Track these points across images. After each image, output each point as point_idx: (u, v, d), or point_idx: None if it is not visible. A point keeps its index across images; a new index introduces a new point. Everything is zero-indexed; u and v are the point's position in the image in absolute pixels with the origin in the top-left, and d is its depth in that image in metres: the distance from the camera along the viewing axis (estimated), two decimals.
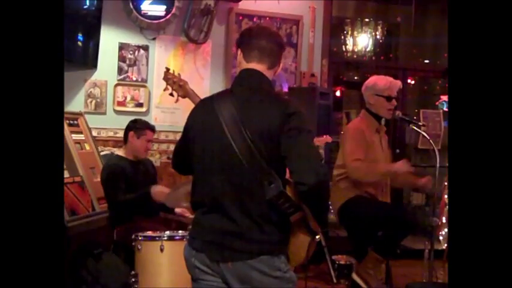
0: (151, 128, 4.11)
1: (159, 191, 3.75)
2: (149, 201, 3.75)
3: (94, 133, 4.35)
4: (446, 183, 5.25)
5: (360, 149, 3.79)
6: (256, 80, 2.18)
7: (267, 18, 5.65)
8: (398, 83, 3.99)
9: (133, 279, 3.26)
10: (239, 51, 2.25)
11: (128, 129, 4.08)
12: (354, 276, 4.01)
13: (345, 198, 3.88)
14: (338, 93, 7.32)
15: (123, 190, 3.84)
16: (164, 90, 3.39)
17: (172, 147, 5.06)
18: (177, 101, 3.36)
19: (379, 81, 3.94)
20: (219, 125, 2.09)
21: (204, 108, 2.23)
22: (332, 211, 4.15)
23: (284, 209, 2.04)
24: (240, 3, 5.49)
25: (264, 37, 2.22)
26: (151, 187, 3.78)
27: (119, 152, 4.14)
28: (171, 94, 3.34)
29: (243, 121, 2.06)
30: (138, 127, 4.05)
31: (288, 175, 2.10)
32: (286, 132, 2.03)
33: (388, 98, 3.90)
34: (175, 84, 3.32)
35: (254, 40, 2.22)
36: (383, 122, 4.06)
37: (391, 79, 3.98)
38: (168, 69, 3.38)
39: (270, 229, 2.06)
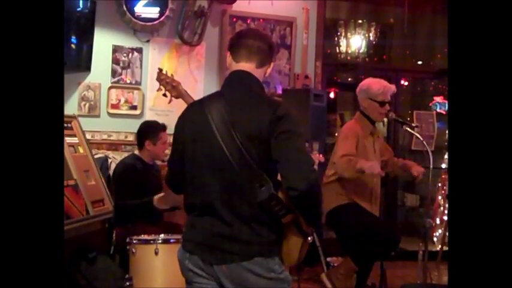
0: (164, 129, 4.18)
1: (160, 198, 3.77)
2: (152, 209, 3.78)
3: (88, 136, 4.33)
4: (440, 185, 5.28)
5: (351, 146, 3.76)
6: (246, 81, 2.18)
7: (261, 20, 5.65)
8: (393, 88, 3.97)
9: (127, 283, 3.26)
10: (228, 54, 2.26)
11: (143, 137, 4.15)
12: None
13: (336, 203, 3.87)
14: (332, 95, 7.33)
15: (132, 193, 3.90)
16: (157, 90, 3.39)
17: (166, 150, 5.08)
18: (170, 101, 3.36)
19: (373, 86, 3.91)
20: (210, 128, 2.09)
21: (194, 112, 2.23)
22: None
23: (275, 212, 2.03)
24: (234, 5, 5.49)
25: (251, 36, 2.24)
26: (154, 196, 3.81)
27: (137, 152, 4.22)
28: (165, 95, 3.35)
29: (233, 123, 2.06)
30: (154, 134, 4.11)
31: (279, 177, 2.11)
32: (277, 135, 2.02)
33: (382, 103, 3.89)
34: (169, 84, 3.33)
35: (242, 40, 2.23)
36: (378, 124, 4.07)
37: (385, 83, 3.95)
38: (161, 70, 3.39)
39: (262, 231, 2.06)
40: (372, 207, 3.94)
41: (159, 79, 3.36)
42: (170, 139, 4.95)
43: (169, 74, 3.42)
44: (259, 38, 2.23)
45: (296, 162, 2.00)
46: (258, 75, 2.21)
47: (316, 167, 4.95)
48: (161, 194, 3.77)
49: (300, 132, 2.09)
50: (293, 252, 2.15)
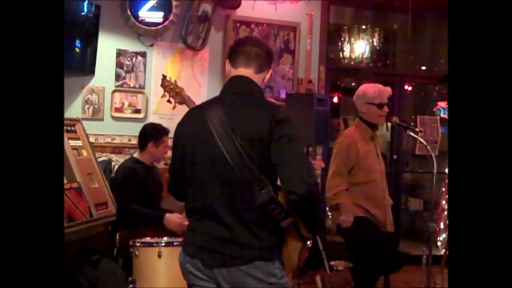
0: (167, 133, 4.20)
1: (172, 220, 3.81)
2: (160, 224, 3.82)
3: (91, 139, 4.34)
4: (444, 189, 5.26)
5: (340, 163, 3.79)
6: (245, 86, 2.20)
7: (265, 25, 5.66)
8: (388, 90, 4.01)
9: (131, 286, 3.26)
10: (227, 62, 2.28)
11: (146, 138, 4.16)
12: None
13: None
14: (335, 100, 7.33)
15: (134, 197, 3.93)
16: (162, 97, 3.42)
17: (169, 153, 5.08)
18: (174, 107, 3.39)
19: (368, 89, 3.97)
20: (210, 132, 2.10)
21: (194, 117, 2.24)
22: (332, 220, 4.14)
23: (275, 215, 2.04)
24: (238, 10, 5.50)
25: (248, 43, 2.27)
26: (166, 213, 3.85)
27: (137, 155, 4.24)
28: (169, 101, 3.37)
29: (233, 127, 2.07)
30: (157, 136, 4.13)
31: (279, 181, 2.11)
32: (276, 140, 2.03)
33: (380, 105, 3.92)
34: (173, 91, 3.36)
35: (239, 47, 2.26)
36: (382, 129, 4.07)
37: (380, 86, 4.00)
38: (164, 77, 3.42)
39: (263, 234, 2.07)
40: (385, 212, 3.92)
41: (163, 85, 3.39)
42: (171, 143, 5.00)
43: (172, 79, 3.45)
44: (256, 45, 2.26)
45: (296, 166, 2.01)
46: (256, 80, 2.23)
47: (319, 171, 4.96)
48: (175, 217, 3.81)
49: (299, 137, 2.10)
50: (292, 256, 2.16)
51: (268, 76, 2.28)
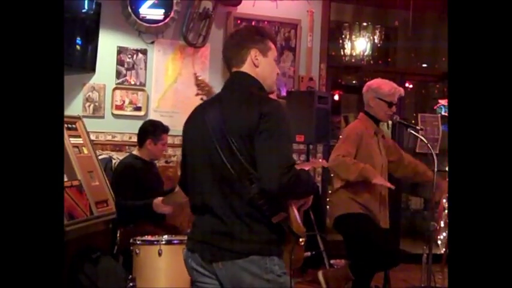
0: (167, 131, 4.22)
1: (160, 204, 3.80)
2: (151, 212, 3.82)
3: (92, 137, 4.35)
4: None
5: (348, 148, 3.73)
6: (242, 81, 2.22)
7: (265, 22, 5.65)
8: (401, 90, 3.98)
9: (131, 284, 3.26)
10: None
11: (145, 135, 4.17)
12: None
13: (346, 210, 3.84)
14: (336, 97, 7.33)
15: (132, 193, 3.94)
16: (196, 95, 3.44)
17: (170, 151, 5.09)
18: None
19: (383, 86, 3.91)
20: (206, 129, 2.12)
21: (195, 115, 2.28)
22: (328, 216, 4.13)
23: (264, 210, 2.03)
24: (239, 7, 5.50)
25: (225, 48, 2.29)
26: (153, 199, 3.85)
27: (135, 152, 4.26)
28: (202, 99, 3.40)
29: (226, 123, 2.08)
30: (156, 134, 4.14)
31: None
32: (258, 134, 2.02)
33: (390, 104, 3.90)
34: (204, 89, 3.41)
35: (222, 55, 2.29)
36: (381, 124, 4.05)
37: (395, 85, 3.96)
38: (197, 76, 3.46)
39: (260, 228, 2.06)
40: (381, 207, 3.91)
41: (197, 84, 3.45)
42: (174, 140, 5.01)
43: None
44: (230, 45, 2.26)
45: (269, 164, 1.99)
46: (255, 71, 2.22)
47: (320, 169, 4.89)
48: (160, 198, 3.80)
49: (282, 132, 2.05)
50: (285, 254, 2.14)
51: (257, 53, 2.21)
